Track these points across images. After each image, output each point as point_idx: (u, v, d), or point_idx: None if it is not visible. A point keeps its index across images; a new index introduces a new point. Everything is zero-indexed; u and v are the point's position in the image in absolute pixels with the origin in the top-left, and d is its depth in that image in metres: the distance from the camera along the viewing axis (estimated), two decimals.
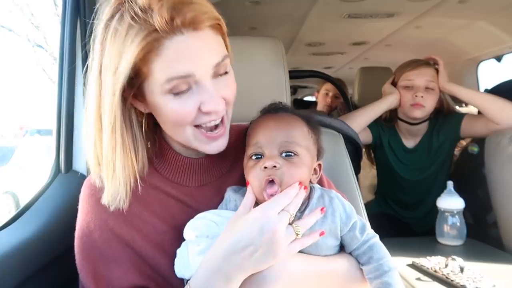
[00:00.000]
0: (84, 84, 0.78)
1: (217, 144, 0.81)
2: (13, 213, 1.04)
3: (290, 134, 0.79)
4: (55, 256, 0.99)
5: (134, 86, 0.73)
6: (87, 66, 1.11)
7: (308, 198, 0.80)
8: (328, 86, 3.09)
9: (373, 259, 0.79)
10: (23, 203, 1.11)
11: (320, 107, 3.24)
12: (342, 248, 0.83)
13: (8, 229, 0.98)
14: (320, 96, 3.23)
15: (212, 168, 0.89)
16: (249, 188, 0.77)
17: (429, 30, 2.60)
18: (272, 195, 0.74)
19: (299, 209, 0.76)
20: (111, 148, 0.74)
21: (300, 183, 0.75)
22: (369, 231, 0.82)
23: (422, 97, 1.78)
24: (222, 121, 0.80)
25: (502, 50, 2.69)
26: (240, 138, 0.92)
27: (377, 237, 0.82)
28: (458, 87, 1.79)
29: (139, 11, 0.68)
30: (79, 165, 1.22)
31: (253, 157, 0.79)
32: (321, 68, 4.11)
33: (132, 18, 0.68)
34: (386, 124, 1.95)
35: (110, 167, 0.75)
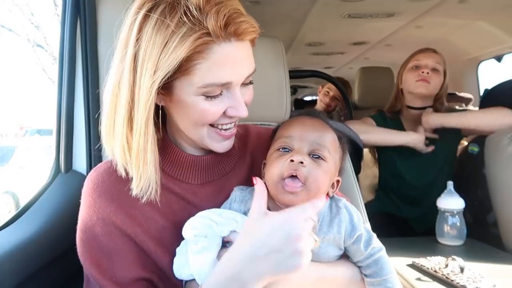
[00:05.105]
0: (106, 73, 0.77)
1: (227, 143, 0.84)
2: (13, 213, 1.05)
3: (323, 138, 0.79)
4: (55, 256, 0.99)
5: (167, 80, 0.71)
6: (87, 65, 1.09)
7: None
8: (330, 85, 3.09)
9: (378, 274, 0.78)
10: (23, 203, 1.11)
11: (318, 105, 3.26)
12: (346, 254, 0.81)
13: (8, 229, 0.98)
14: (320, 94, 3.24)
15: (215, 166, 0.89)
16: (257, 189, 0.72)
17: (429, 30, 2.60)
18: (292, 191, 0.73)
19: None
20: (143, 141, 0.73)
21: (326, 196, 0.74)
22: (375, 244, 0.79)
23: (428, 73, 1.81)
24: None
25: (502, 50, 2.69)
26: (245, 138, 0.93)
27: (383, 250, 0.80)
28: (444, 116, 1.78)
29: (194, 10, 0.67)
30: (79, 165, 1.22)
31: (281, 150, 0.78)
32: (321, 68, 4.11)
33: (185, 14, 0.67)
34: (391, 115, 1.98)
35: (140, 159, 0.74)
